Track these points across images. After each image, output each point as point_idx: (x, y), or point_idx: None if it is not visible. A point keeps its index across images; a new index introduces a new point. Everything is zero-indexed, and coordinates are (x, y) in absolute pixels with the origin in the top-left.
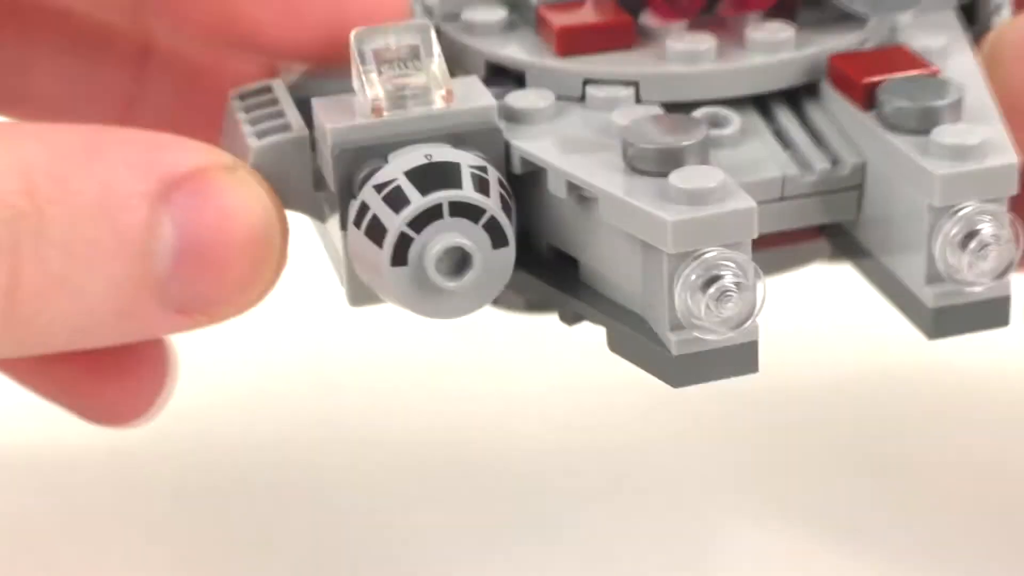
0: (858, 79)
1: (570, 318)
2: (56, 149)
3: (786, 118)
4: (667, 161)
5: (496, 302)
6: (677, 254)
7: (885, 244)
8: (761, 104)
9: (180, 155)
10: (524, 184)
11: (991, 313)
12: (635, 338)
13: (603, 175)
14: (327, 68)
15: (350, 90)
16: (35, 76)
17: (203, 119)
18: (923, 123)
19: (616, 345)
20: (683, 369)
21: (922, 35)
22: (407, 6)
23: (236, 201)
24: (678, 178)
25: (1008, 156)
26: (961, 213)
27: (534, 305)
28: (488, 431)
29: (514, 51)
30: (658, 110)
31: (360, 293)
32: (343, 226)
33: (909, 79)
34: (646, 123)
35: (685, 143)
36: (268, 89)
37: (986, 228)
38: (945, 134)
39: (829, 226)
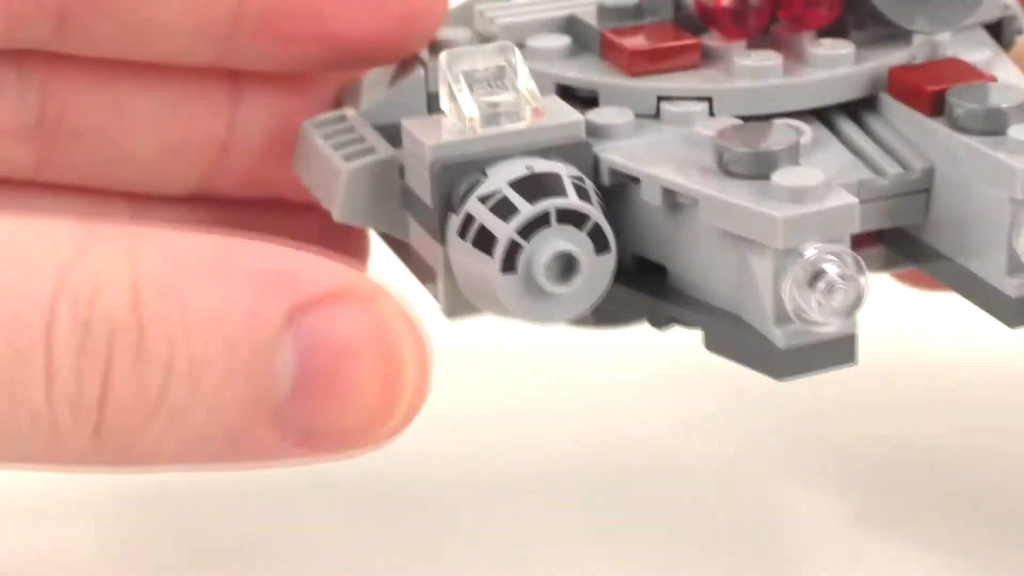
0: (925, 87)
1: (662, 322)
2: (176, 262)
3: (850, 128)
4: (764, 164)
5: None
6: (784, 250)
7: (957, 242)
8: (823, 117)
9: (315, 275)
10: (609, 196)
11: None
12: (736, 335)
13: (700, 180)
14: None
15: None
16: (130, 139)
17: (289, 157)
18: (994, 124)
19: (714, 344)
20: (788, 362)
21: (965, 50)
22: None
23: (365, 330)
24: (781, 177)
25: None
26: None
27: (604, 319)
28: (493, 434)
29: (585, 73)
30: (732, 120)
31: (457, 304)
32: (441, 240)
33: (974, 86)
34: (738, 130)
35: (781, 147)
36: (343, 118)
37: None
38: (1021, 132)
39: (889, 233)
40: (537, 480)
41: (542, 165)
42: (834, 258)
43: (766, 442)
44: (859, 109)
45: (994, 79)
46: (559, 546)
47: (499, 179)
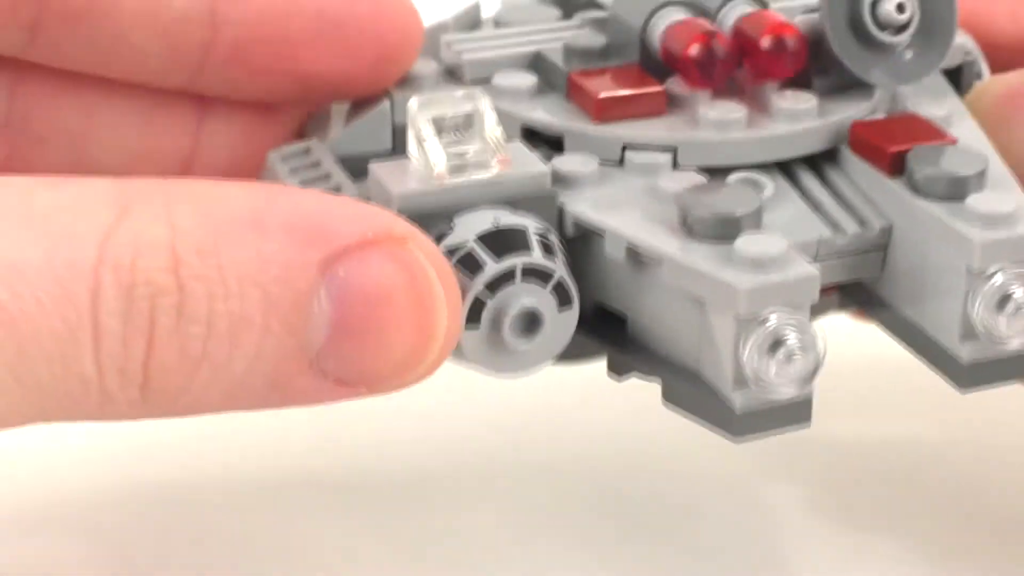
0: (886, 147)
1: (621, 369)
2: (211, 216)
3: (810, 182)
4: (727, 228)
5: None
6: (745, 318)
7: (911, 300)
8: (784, 167)
9: (348, 224)
10: (572, 245)
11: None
12: (694, 393)
13: (664, 239)
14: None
15: (379, 151)
16: (96, 147)
17: (253, 177)
18: (953, 190)
19: (672, 398)
20: (744, 424)
21: (925, 103)
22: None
23: (398, 275)
24: (744, 244)
25: None
26: (996, 278)
27: (563, 357)
28: (485, 434)
29: (551, 116)
30: (695, 175)
31: None
32: None
33: (935, 148)
34: (702, 191)
35: (744, 211)
36: (308, 150)
37: (1019, 292)
38: (979, 202)
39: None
40: (529, 479)
41: (508, 219)
42: (794, 327)
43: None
44: (821, 161)
45: (954, 141)
46: (552, 545)
47: (466, 231)
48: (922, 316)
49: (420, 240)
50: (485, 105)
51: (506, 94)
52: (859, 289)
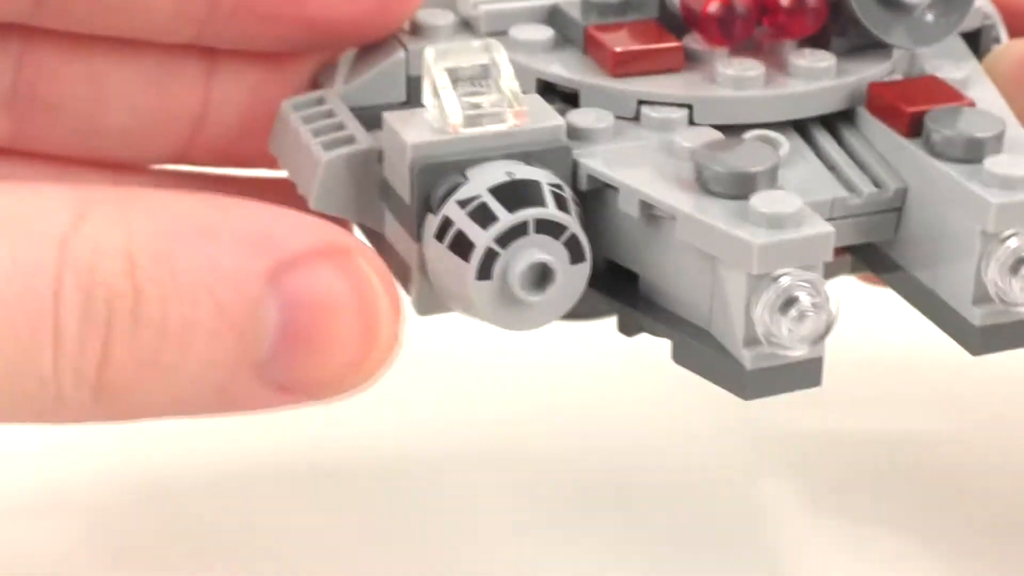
0: (904, 108)
1: (631, 329)
2: (165, 225)
3: (826, 142)
4: (742, 185)
5: None
6: (758, 275)
7: (925, 263)
8: (800, 128)
9: (296, 235)
10: (586, 201)
11: None
12: (704, 352)
13: (678, 195)
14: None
15: (393, 102)
16: (105, 111)
17: (266, 133)
18: (970, 153)
19: (682, 357)
20: (754, 383)
21: (944, 65)
22: None
23: (344, 286)
24: (759, 201)
25: None
26: (1011, 241)
27: (572, 315)
28: (477, 430)
29: (567, 70)
30: (712, 131)
31: (428, 303)
32: (417, 238)
33: (953, 110)
34: (718, 147)
35: (760, 168)
36: (322, 100)
37: None
38: (996, 165)
39: (858, 245)
40: (520, 476)
41: (522, 171)
42: (807, 286)
43: (744, 435)
44: (837, 121)
45: (972, 103)
46: (550, 537)
47: (479, 184)
48: (935, 280)
49: (365, 251)
50: (502, 57)
51: (522, 47)
52: (872, 252)
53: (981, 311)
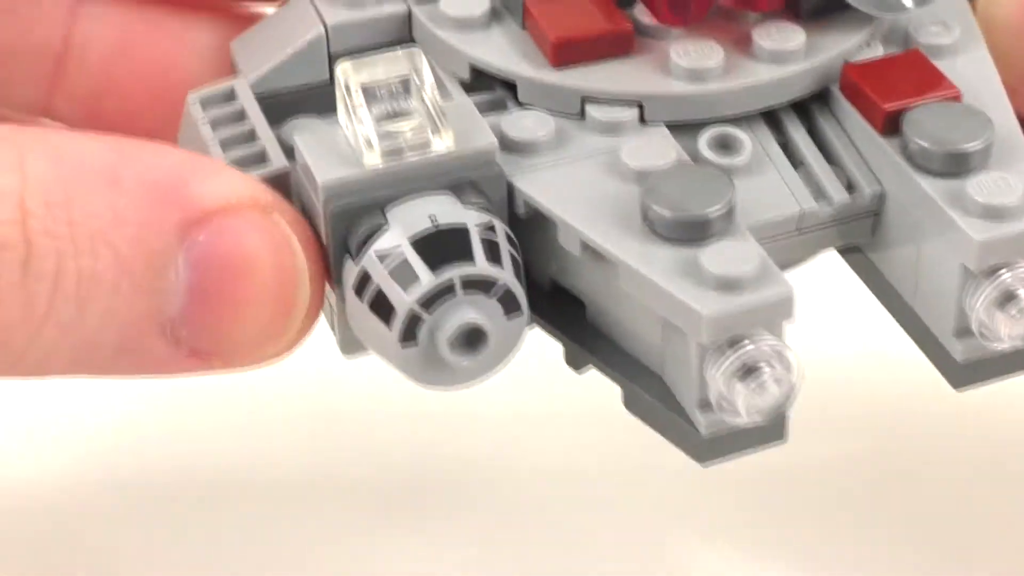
0: (880, 103)
1: (578, 363)
2: (66, 169)
3: (796, 132)
4: (693, 230)
5: None
6: (711, 344)
7: (904, 277)
8: (768, 114)
9: (210, 186)
10: (524, 225)
11: (1019, 361)
12: (657, 408)
13: (621, 238)
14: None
15: (316, 82)
16: None
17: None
18: (951, 167)
19: (634, 407)
20: (712, 448)
21: (930, 26)
22: None
23: (261, 245)
24: (709, 259)
25: None
26: (1000, 277)
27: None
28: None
29: (504, 56)
30: (664, 137)
31: (353, 345)
32: (336, 281)
33: (935, 110)
34: (667, 182)
35: (713, 212)
36: (231, 95)
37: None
38: (980, 189)
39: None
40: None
41: (448, 213)
42: (768, 352)
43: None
44: (810, 103)
45: (958, 96)
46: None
47: (399, 231)
48: (916, 302)
49: (285, 210)
50: (424, 66)
51: (453, 23)
52: (851, 250)
53: (963, 345)
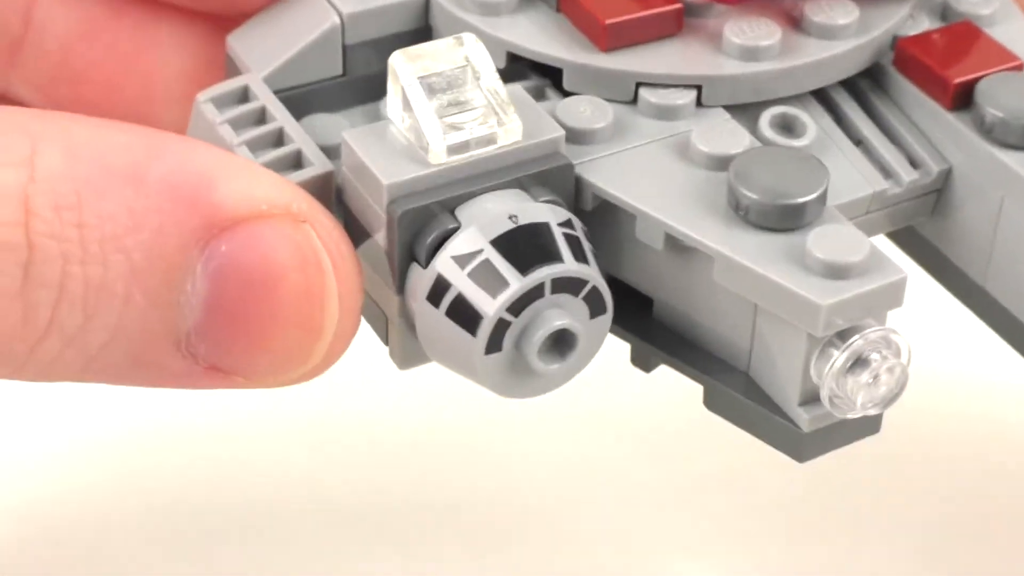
0: (948, 78)
1: (647, 363)
2: (82, 165)
3: (851, 109)
4: (792, 218)
5: None
6: (822, 335)
7: (976, 259)
8: (818, 93)
9: (239, 189)
10: (590, 219)
11: None
12: (747, 405)
13: (712, 228)
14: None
15: (329, 76)
16: None
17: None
18: None
19: (718, 406)
20: (812, 443)
21: None
22: None
23: (288, 260)
24: (816, 244)
25: None
26: None
27: None
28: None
29: (545, 42)
30: (724, 119)
31: (413, 356)
32: (399, 290)
33: (1008, 81)
34: (757, 168)
35: (811, 196)
36: (247, 95)
37: None
38: None
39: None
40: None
41: (527, 211)
42: (878, 343)
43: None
44: (860, 80)
45: (1021, 66)
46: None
47: (477, 233)
48: (986, 277)
49: (321, 222)
50: (480, 52)
51: (481, 7)
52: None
53: None
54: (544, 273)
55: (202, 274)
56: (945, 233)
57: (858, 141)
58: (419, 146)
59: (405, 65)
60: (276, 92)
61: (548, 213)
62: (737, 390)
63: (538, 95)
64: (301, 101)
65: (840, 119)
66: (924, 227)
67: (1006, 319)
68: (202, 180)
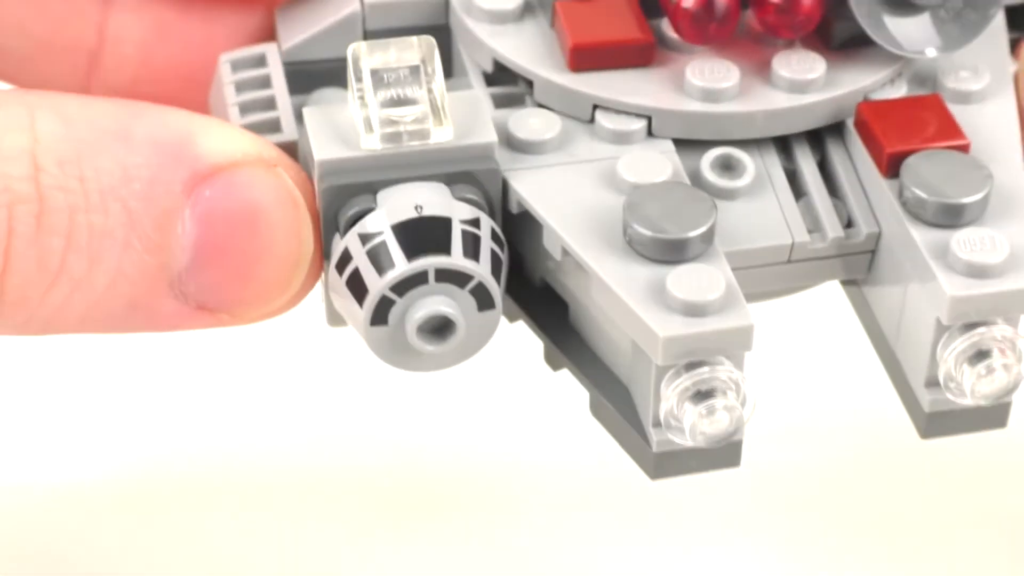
0: (884, 145)
1: (554, 364)
2: (75, 127)
3: (805, 160)
4: (668, 251)
5: None
6: (666, 365)
7: (890, 322)
8: (782, 140)
9: (216, 142)
10: (521, 220)
11: (988, 417)
12: (617, 419)
13: (600, 249)
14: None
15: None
16: (4, 33)
17: (170, 77)
18: (943, 218)
19: (598, 414)
20: (662, 464)
21: (959, 69)
22: None
23: (266, 198)
24: (676, 283)
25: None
26: (973, 334)
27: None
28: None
29: (525, 54)
30: (666, 152)
31: (337, 317)
32: (324, 255)
33: (935, 158)
34: (650, 200)
35: (689, 234)
36: (262, 60)
37: (996, 353)
38: (965, 245)
39: None
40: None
41: (433, 204)
42: (722, 380)
43: None
44: (824, 132)
45: (966, 147)
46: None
47: (383, 218)
48: (896, 343)
49: (289, 166)
50: (435, 56)
51: (486, 15)
52: (851, 282)
53: (931, 396)
54: (429, 262)
55: (190, 218)
56: (874, 293)
57: (803, 193)
58: (358, 131)
59: (362, 55)
60: (297, 63)
61: (455, 209)
62: (613, 403)
63: (517, 101)
64: (318, 74)
65: (795, 169)
66: (864, 284)
67: (905, 386)
68: (182, 136)
